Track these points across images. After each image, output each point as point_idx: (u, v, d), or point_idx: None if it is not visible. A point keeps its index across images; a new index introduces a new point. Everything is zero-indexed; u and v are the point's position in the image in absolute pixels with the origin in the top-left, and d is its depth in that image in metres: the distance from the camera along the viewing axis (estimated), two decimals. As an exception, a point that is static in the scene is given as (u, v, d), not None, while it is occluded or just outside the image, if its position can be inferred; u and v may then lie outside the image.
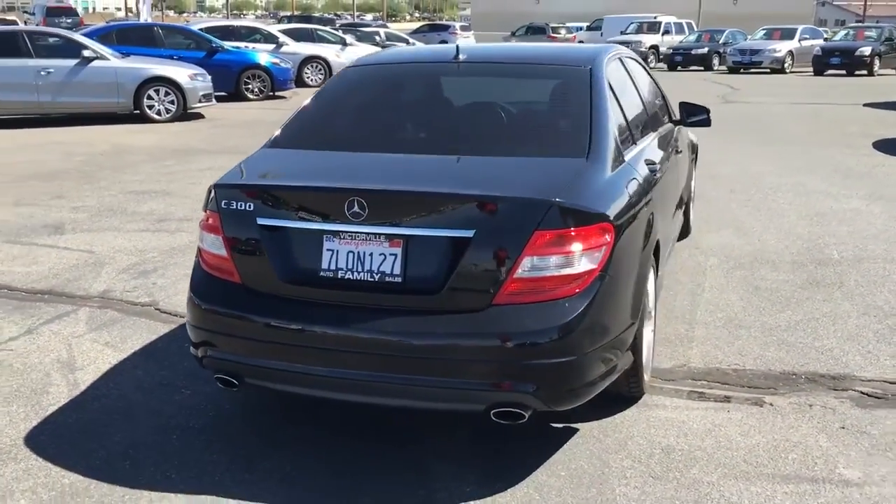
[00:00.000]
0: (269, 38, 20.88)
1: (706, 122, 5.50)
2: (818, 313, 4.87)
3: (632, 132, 4.02)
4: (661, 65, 32.64)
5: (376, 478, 3.18)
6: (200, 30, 20.09)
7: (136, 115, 13.83)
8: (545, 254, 2.97)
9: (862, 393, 3.86)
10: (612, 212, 3.20)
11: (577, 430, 3.53)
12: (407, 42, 30.64)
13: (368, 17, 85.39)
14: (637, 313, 3.41)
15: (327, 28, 27.00)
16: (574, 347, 3.00)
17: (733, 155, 10.55)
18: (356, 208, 3.05)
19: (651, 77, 5.27)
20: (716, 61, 31.25)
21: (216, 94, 15.39)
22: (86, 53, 13.39)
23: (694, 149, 6.59)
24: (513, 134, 3.75)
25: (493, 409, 3.00)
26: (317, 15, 66.70)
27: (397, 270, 3.05)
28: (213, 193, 3.35)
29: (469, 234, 2.97)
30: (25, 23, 40.19)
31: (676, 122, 5.44)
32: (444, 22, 53.88)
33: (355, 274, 3.09)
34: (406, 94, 4.16)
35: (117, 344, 4.49)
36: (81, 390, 3.93)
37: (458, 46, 4.13)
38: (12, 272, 5.77)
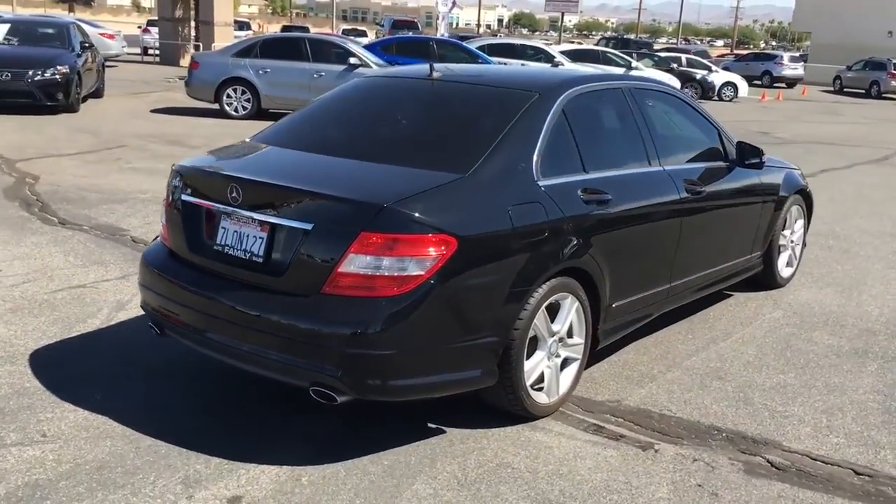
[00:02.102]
0: (547, 57, 21.58)
1: (758, 165, 5.23)
2: (823, 381, 4.49)
3: (583, 163, 4.08)
4: None
5: (225, 439, 3.65)
6: (483, 46, 21.39)
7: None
8: (369, 253, 3.25)
9: (766, 460, 3.62)
10: (458, 226, 3.37)
11: (444, 431, 3.73)
12: (709, 69, 29.85)
13: (698, 42, 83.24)
14: (500, 331, 3.54)
15: (617, 52, 27.11)
16: (381, 344, 3.25)
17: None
18: (234, 193, 3.56)
19: (698, 115, 5.17)
20: None
21: None
22: (352, 60, 14.98)
23: (804, 195, 6.17)
24: (421, 146, 3.98)
25: (312, 387, 3.35)
26: (640, 38, 66.48)
27: (261, 252, 3.51)
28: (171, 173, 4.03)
29: (309, 226, 3.36)
30: (377, 34, 44.84)
31: (732, 163, 5.23)
32: (769, 52, 51.02)
33: (235, 251, 3.60)
34: (367, 105, 4.50)
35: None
36: (106, 325, 4.81)
37: (431, 65, 4.46)
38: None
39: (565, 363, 4.06)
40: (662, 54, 30.72)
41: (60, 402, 3.83)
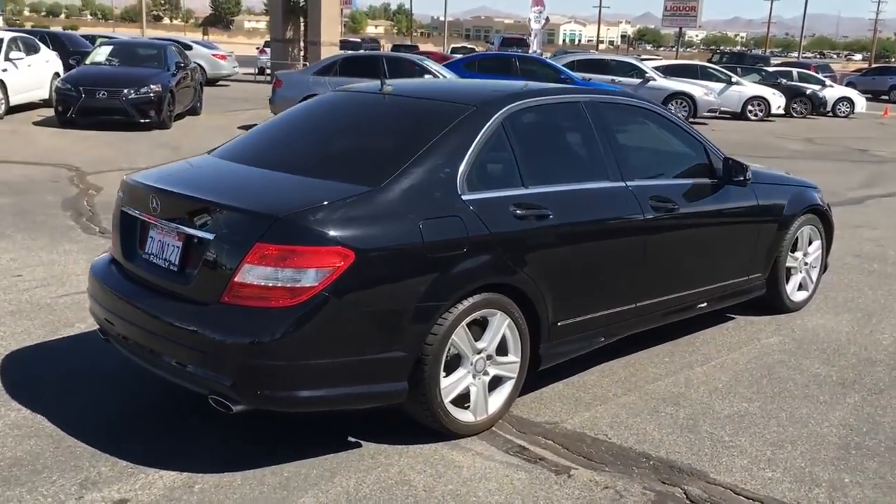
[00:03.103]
0: (639, 72, 21.20)
1: (742, 183, 4.98)
2: (789, 412, 4.22)
3: (523, 178, 4.00)
4: None
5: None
6: (572, 62, 21.23)
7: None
8: (263, 264, 3.30)
9: (683, 492, 3.44)
10: (357, 240, 3.37)
11: (360, 445, 3.72)
12: (822, 84, 28.55)
13: (833, 56, 79.65)
14: (410, 347, 3.51)
15: (717, 66, 26.31)
16: (273, 354, 3.29)
17: None
18: (154, 204, 3.69)
19: (680, 131, 5.00)
20: None
21: None
22: (427, 78, 15.16)
23: (819, 215, 5.83)
24: (348, 159, 3.98)
25: (210, 396, 3.41)
26: (771, 52, 64.14)
27: (176, 261, 3.62)
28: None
29: (210, 236, 3.43)
30: (486, 49, 45.14)
31: (720, 180, 5.01)
32: (892, 65, 48.34)
33: (158, 259, 3.72)
34: (317, 119, 4.52)
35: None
36: (89, 330, 5.03)
37: (382, 80, 4.48)
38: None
39: (498, 382, 3.98)
40: (771, 69, 29.56)
41: (9, 400, 4.03)
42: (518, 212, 3.91)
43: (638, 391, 4.42)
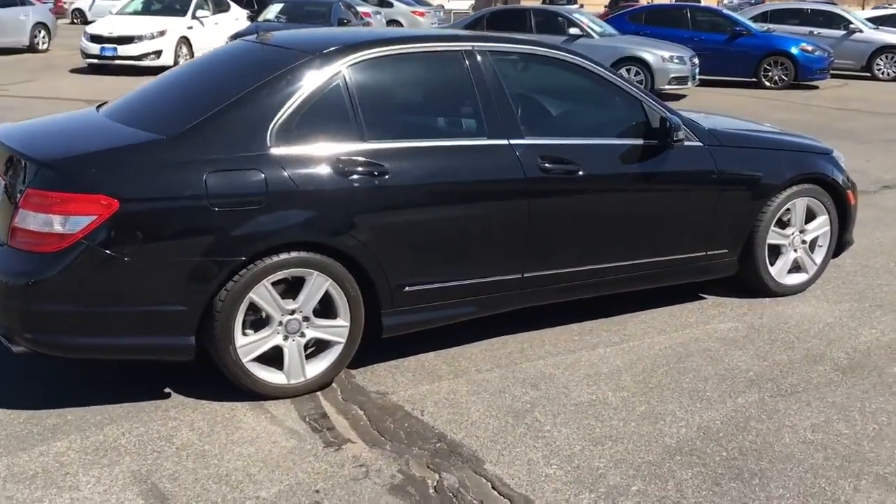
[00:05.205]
0: (845, 24, 19.04)
1: (669, 145, 4.36)
2: (648, 407, 3.73)
3: (364, 132, 3.77)
4: None
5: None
6: (765, 12, 19.56)
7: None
8: (34, 209, 3.37)
9: (440, 478, 3.15)
10: (127, 189, 3.35)
11: (169, 396, 3.74)
12: None
13: None
14: (191, 302, 3.47)
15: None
16: (37, 298, 3.37)
17: None
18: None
19: (613, 87, 4.46)
20: None
21: (734, 78, 16.57)
22: (571, 31, 14.58)
23: (824, 185, 4.98)
24: (169, 109, 3.89)
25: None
26: None
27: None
28: None
29: (6, 182, 3.55)
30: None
31: (659, 142, 4.42)
32: None
33: (-2, 207, 3.89)
34: (194, 69, 4.41)
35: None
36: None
37: (258, 29, 4.33)
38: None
39: (326, 346, 3.82)
40: None
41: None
42: (344, 168, 3.70)
43: (505, 369, 4.07)
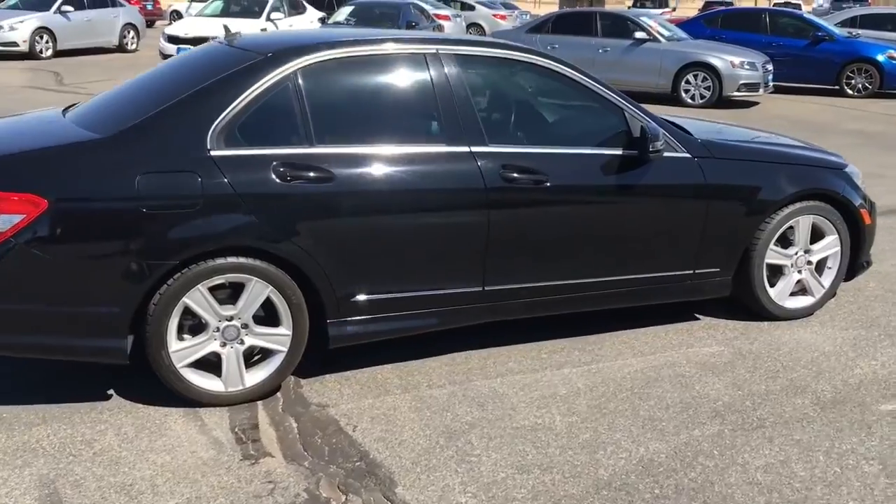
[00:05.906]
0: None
1: (646, 158, 4.09)
2: (593, 435, 3.49)
3: (313, 136, 3.68)
4: None
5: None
6: (854, 17, 18.70)
7: (671, 98, 14.05)
8: None
9: (345, 500, 3.00)
10: (54, 189, 3.33)
11: (110, 397, 3.73)
12: None
13: None
14: (123, 304, 3.43)
15: None
16: None
17: None
18: None
19: (594, 95, 4.22)
20: None
21: (815, 85, 15.89)
22: (637, 35, 14.18)
23: (833, 203, 4.62)
24: (130, 111, 3.81)
25: None
26: None
27: None
28: None
29: None
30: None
31: (644, 152, 4.15)
32: None
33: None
34: (162, 72, 4.34)
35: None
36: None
37: (227, 30, 4.27)
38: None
39: (269, 354, 3.73)
40: None
41: None
42: (287, 172, 3.60)
43: (457, 386, 3.90)
